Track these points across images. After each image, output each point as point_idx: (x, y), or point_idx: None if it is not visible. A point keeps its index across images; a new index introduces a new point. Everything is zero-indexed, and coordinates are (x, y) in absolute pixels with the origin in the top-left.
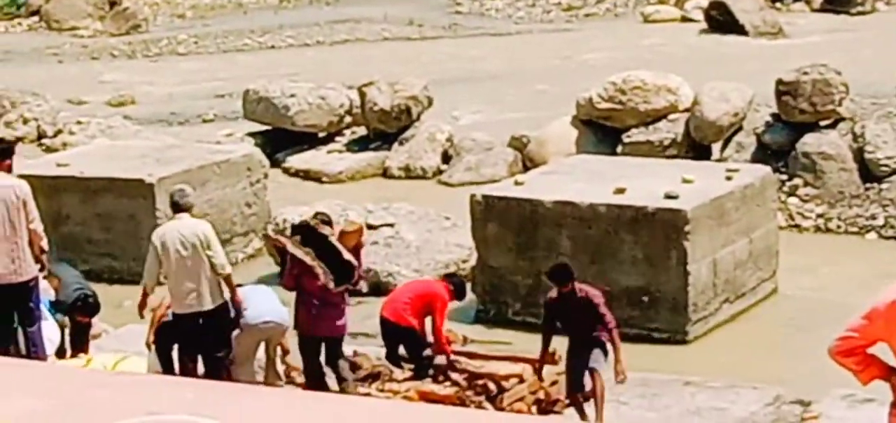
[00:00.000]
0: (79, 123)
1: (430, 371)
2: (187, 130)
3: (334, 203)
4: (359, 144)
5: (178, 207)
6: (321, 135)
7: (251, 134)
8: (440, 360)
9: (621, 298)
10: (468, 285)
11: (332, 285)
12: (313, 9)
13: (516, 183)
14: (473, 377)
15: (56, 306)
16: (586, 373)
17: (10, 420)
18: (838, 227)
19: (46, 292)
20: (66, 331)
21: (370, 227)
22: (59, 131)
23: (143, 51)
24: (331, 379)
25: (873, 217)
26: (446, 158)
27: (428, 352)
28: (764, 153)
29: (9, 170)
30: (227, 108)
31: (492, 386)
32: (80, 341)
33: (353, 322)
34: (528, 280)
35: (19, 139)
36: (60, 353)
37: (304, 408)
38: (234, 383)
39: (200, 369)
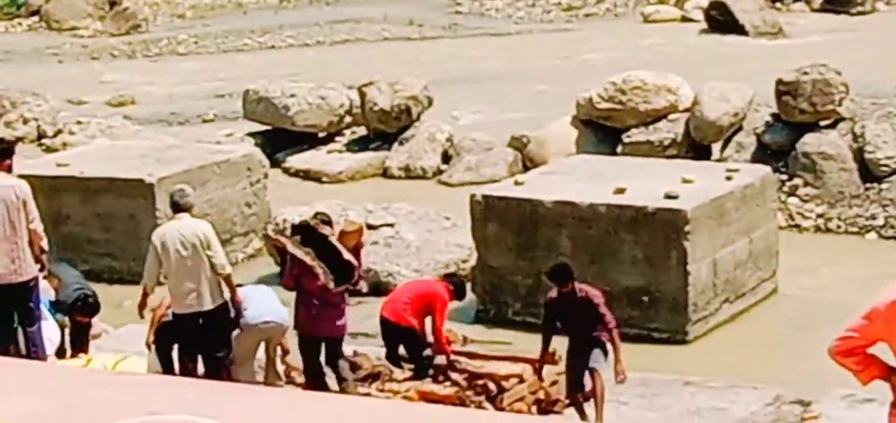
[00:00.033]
0: (79, 123)
1: (430, 371)
2: (187, 130)
3: (334, 203)
4: (359, 145)
5: (178, 207)
6: (321, 135)
7: (251, 134)
8: (440, 360)
9: (621, 298)
10: (468, 285)
11: (331, 284)
12: (313, 9)
13: (516, 183)
14: (473, 377)
15: (56, 306)
16: (586, 373)
17: (10, 420)
18: (838, 227)
19: (46, 292)
20: (66, 331)
21: (370, 227)
22: (59, 131)
23: (143, 51)
24: (331, 379)
25: (873, 217)
26: (446, 158)
27: (428, 352)
28: (764, 153)
29: (9, 170)
30: (227, 108)
31: (492, 386)
32: (80, 341)
33: (354, 322)
34: (528, 280)
35: (19, 139)
36: (60, 353)
37: (304, 408)
38: (234, 383)
39: (200, 369)
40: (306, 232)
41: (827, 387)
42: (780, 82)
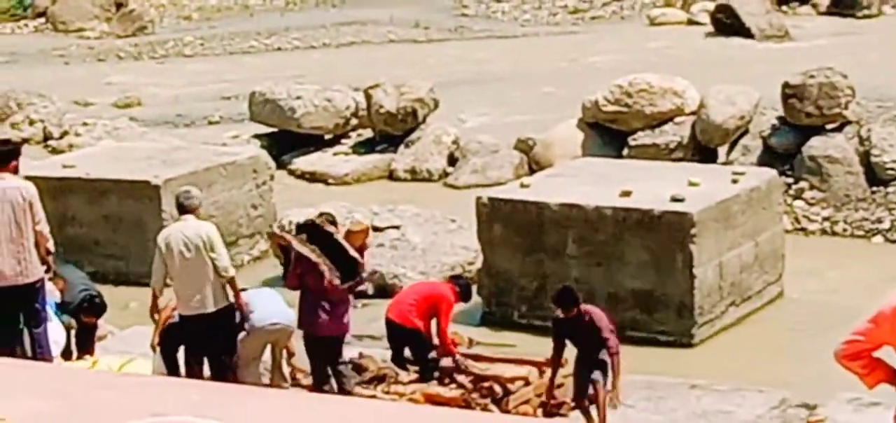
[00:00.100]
0: (85, 124)
1: (436, 374)
2: (193, 131)
3: (340, 205)
4: (365, 147)
5: (183, 209)
6: (327, 137)
7: (257, 136)
8: (446, 362)
9: (627, 300)
10: (474, 288)
11: (337, 281)
12: (319, 11)
13: (522, 186)
14: (479, 380)
15: (62, 308)
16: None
17: (17, 421)
18: (844, 230)
19: (52, 293)
20: (72, 333)
21: (376, 229)
22: (66, 133)
23: (150, 52)
24: (332, 378)
25: (879, 220)
26: (452, 160)
27: (433, 354)
28: (770, 156)
29: (15, 171)
30: (233, 110)
31: (497, 389)
32: (85, 342)
33: (359, 324)
34: (533, 283)
35: (25, 141)
36: (66, 354)
37: (310, 410)
38: (239, 385)
39: (206, 371)
40: (311, 230)
41: (833, 390)
42: (786, 85)
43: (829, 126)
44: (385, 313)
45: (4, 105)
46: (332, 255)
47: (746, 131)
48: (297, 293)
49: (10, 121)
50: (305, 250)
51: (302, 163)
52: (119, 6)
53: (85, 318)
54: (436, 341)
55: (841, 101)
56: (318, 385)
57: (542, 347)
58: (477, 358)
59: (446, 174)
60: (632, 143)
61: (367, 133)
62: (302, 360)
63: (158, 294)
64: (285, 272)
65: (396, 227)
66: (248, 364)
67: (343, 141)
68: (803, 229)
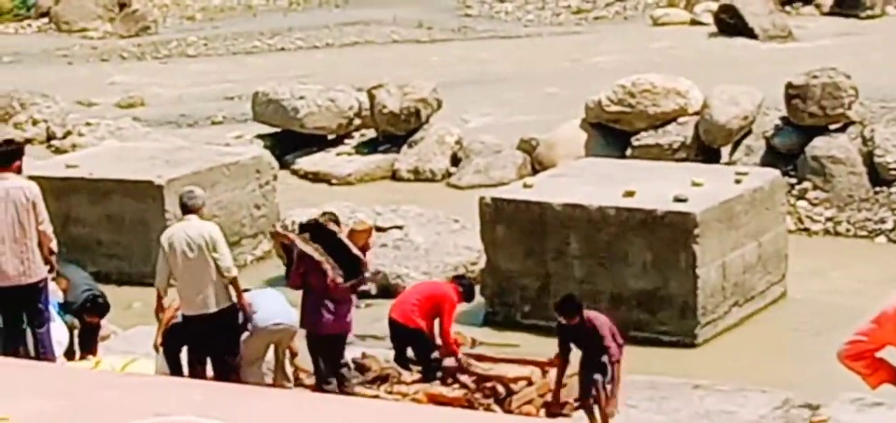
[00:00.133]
0: (88, 124)
1: (439, 374)
2: (196, 131)
3: (343, 205)
4: (368, 147)
5: (186, 209)
6: (330, 137)
7: (260, 136)
8: (449, 362)
9: (630, 301)
10: (477, 288)
11: (340, 279)
12: (322, 11)
13: (525, 186)
14: (482, 380)
15: (65, 308)
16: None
17: (20, 421)
18: (847, 230)
19: (55, 293)
20: (75, 333)
21: (379, 229)
22: (69, 133)
23: (153, 52)
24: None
25: (882, 221)
26: (455, 160)
27: (435, 354)
28: (773, 157)
29: (18, 171)
30: (236, 110)
31: (500, 389)
32: (88, 342)
33: (362, 324)
34: (536, 283)
35: (29, 141)
36: (69, 354)
37: (313, 410)
38: (242, 385)
39: (209, 371)
40: (314, 229)
41: (836, 391)
42: (789, 86)
43: (832, 126)
44: (388, 313)
45: (8, 105)
46: (334, 253)
47: (750, 132)
48: (299, 293)
49: (13, 121)
50: (308, 249)
51: (305, 163)
52: (122, 6)
53: (88, 318)
54: (439, 341)
55: (844, 101)
56: (321, 384)
57: (545, 347)
58: (480, 358)
59: (449, 174)
60: (635, 143)
61: (371, 133)
62: (305, 360)
63: (163, 294)
64: (288, 272)
65: (399, 227)
66: (251, 364)
67: (346, 141)
68: (806, 230)
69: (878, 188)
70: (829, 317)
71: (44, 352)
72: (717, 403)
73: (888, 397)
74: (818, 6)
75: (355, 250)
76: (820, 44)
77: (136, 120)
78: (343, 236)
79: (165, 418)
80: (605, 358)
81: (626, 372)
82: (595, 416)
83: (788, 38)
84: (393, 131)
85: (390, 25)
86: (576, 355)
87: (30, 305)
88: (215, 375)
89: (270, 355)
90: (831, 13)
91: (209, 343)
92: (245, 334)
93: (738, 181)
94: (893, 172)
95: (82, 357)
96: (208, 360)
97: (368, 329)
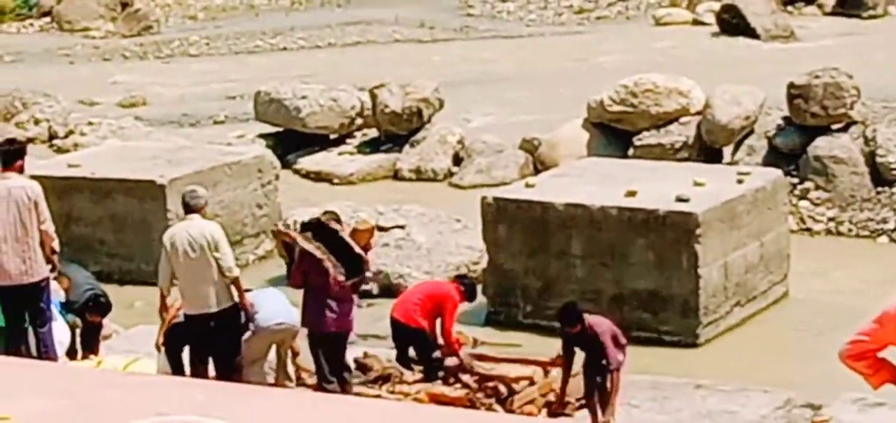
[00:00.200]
0: (90, 123)
1: (441, 373)
2: (198, 131)
3: (345, 205)
4: (370, 146)
5: (189, 209)
6: (332, 137)
7: (262, 135)
8: (451, 361)
9: (632, 300)
10: (479, 288)
11: (341, 277)
12: (325, 11)
13: (527, 185)
14: (483, 380)
15: (67, 307)
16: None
17: (22, 420)
18: (849, 230)
19: (57, 292)
20: (77, 332)
21: (381, 229)
22: (71, 132)
23: (155, 52)
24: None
25: (884, 221)
26: (457, 160)
27: (437, 354)
28: (775, 157)
29: (20, 171)
30: (238, 109)
31: (502, 388)
32: (90, 342)
33: (364, 324)
34: (538, 283)
35: (31, 140)
36: (71, 354)
37: (314, 410)
38: (244, 384)
39: (211, 371)
40: (316, 228)
41: (837, 391)
42: (791, 86)
43: (834, 126)
44: (390, 313)
45: (10, 104)
46: (336, 252)
47: (752, 132)
48: (301, 293)
49: (15, 120)
50: (310, 247)
51: (307, 163)
52: (124, 6)
53: (90, 317)
54: (440, 340)
55: (846, 101)
56: (322, 383)
57: (546, 347)
58: (481, 358)
59: (451, 174)
60: (637, 143)
61: (373, 133)
62: (307, 360)
63: (166, 294)
64: (289, 270)
65: (401, 226)
66: (253, 364)
67: (348, 141)
68: (808, 230)
69: (880, 188)
70: (831, 317)
71: (46, 351)
72: (719, 403)
73: (890, 397)
74: (820, 6)
75: (357, 249)
76: (822, 44)
77: (138, 119)
78: (345, 234)
79: (167, 417)
80: (606, 364)
81: (629, 372)
82: (598, 416)
83: (790, 38)
84: (395, 131)
85: (392, 25)
86: (579, 356)
87: (32, 304)
88: (217, 374)
89: (272, 354)
90: (833, 13)
91: (211, 343)
92: (247, 334)
93: (740, 181)
94: (895, 172)
95: (84, 357)
96: (210, 359)
97: (370, 329)
